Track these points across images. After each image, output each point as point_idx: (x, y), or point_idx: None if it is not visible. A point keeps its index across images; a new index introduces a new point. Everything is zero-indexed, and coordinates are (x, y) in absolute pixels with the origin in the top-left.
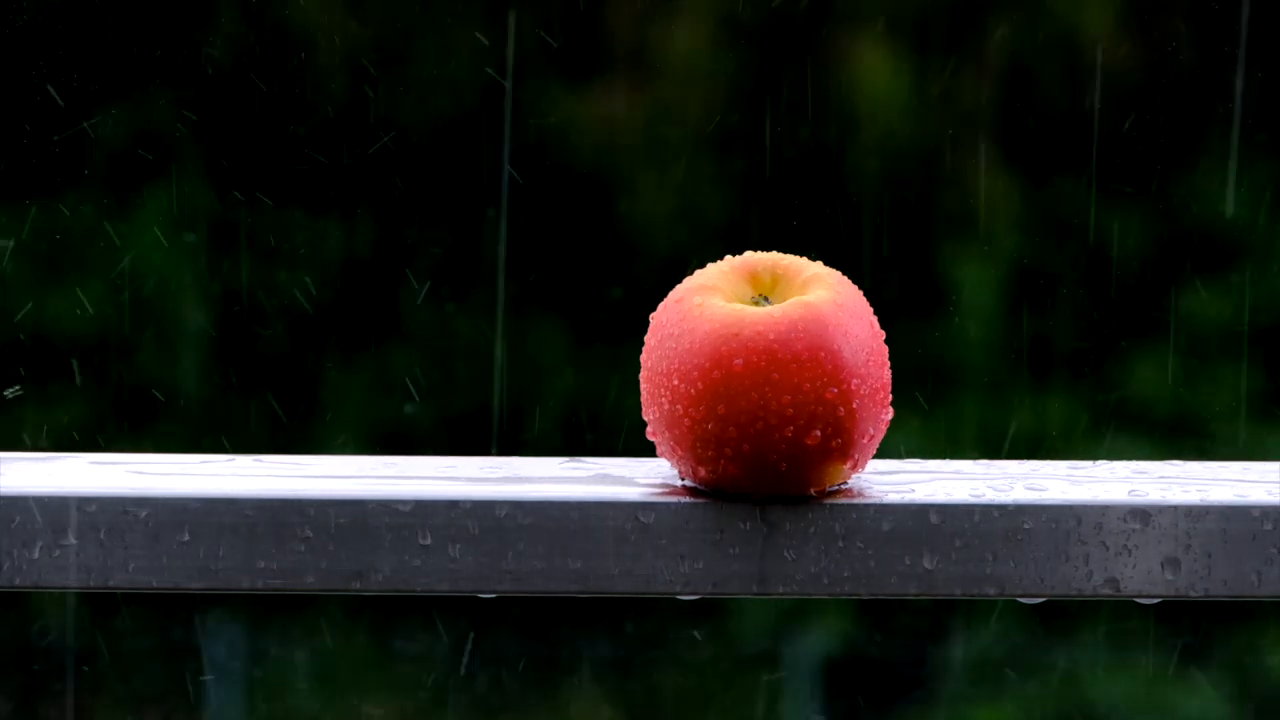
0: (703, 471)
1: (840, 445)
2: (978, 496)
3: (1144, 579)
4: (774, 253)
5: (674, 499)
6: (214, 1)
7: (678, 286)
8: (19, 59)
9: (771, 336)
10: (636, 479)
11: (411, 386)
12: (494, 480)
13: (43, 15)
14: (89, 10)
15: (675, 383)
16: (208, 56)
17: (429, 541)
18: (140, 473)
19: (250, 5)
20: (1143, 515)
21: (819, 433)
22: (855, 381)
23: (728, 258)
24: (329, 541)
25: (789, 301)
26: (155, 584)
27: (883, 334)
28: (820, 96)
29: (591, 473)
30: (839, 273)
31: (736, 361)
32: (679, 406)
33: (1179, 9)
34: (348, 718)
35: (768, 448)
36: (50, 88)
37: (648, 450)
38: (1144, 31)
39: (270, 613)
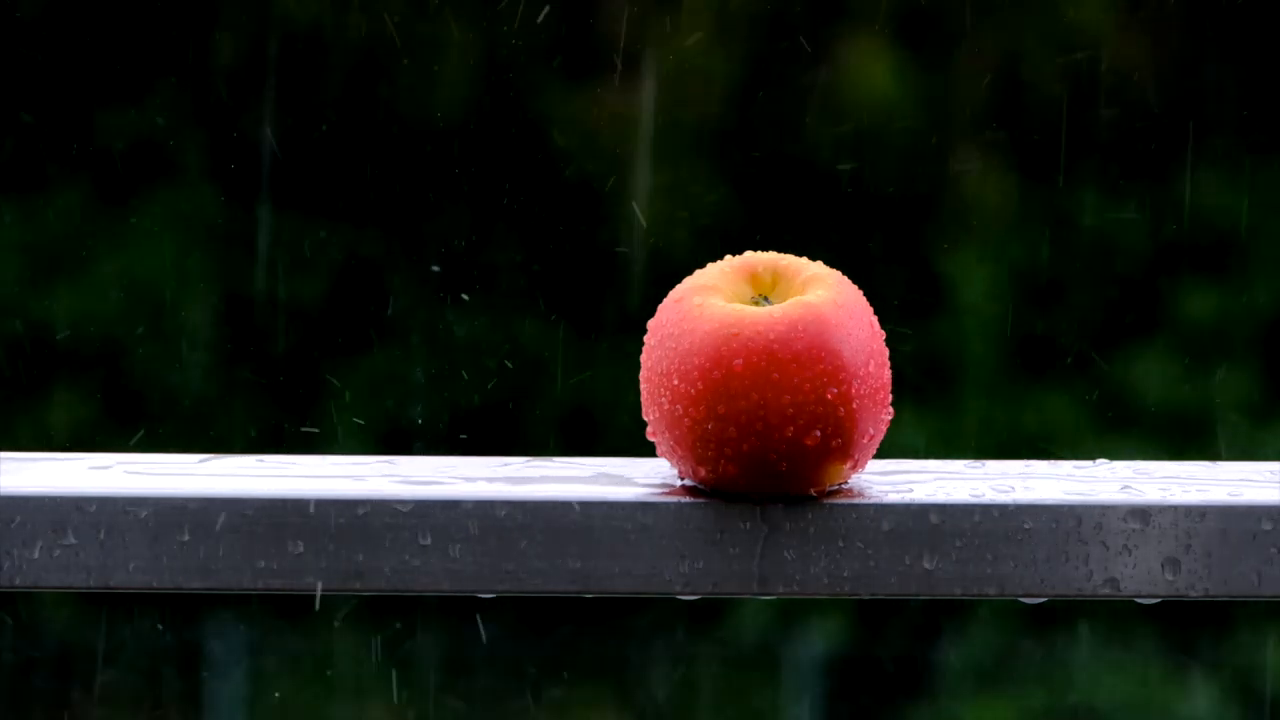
0: (703, 471)
1: (840, 445)
2: (978, 496)
3: (1144, 579)
4: (774, 253)
5: (674, 499)
6: (215, 1)
7: (678, 286)
8: (19, 59)
9: (771, 336)
10: (636, 479)
11: (412, 386)
12: (494, 480)
13: (45, 14)
14: (91, 9)
15: (675, 383)
16: (209, 56)
17: (429, 541)
18: (140, 473)
19: (251, 4)
20: (1143, 515)
21: (819, 433)
22: (855, 382)
23: (728, 258)
24: (329, 541)
25: (789, 301)
26: (155, 584)
27: (883, 334)
28: (819, 96)
29: (591, 473)
30: (839, 273)
31: (736, 361)
32: (679, 406)
33: (1178, 8)
34: (348, 718)
35: (768, 448)
36: (52, 86)
37: (648, 450)
38: (1143, 30)
39: (271, 613)
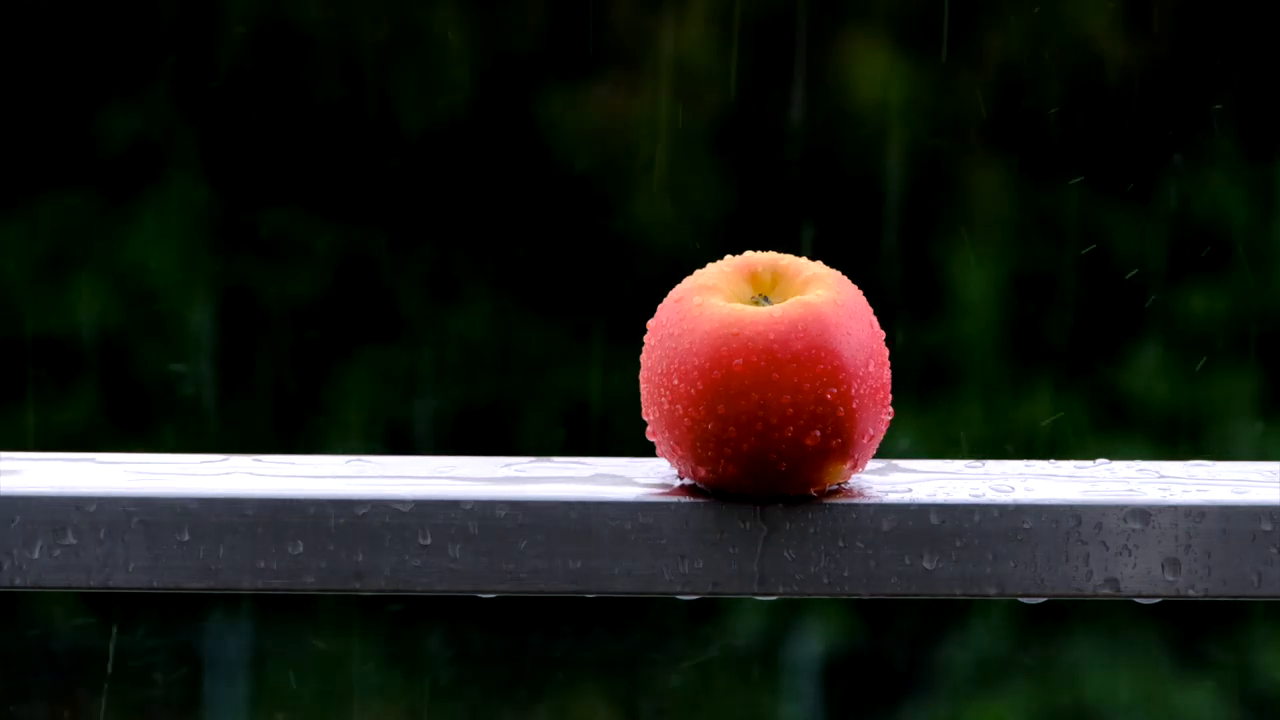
0: (703, 471)
1: (840, 445)
2: (978, 496)
3: (1144, 579)
4: (774, 252)
5: (674, 499)
6: (215, 1)
7: (677, 286)
8: (19, 59)
9: (771, 336)
10: (636, 479)
11: (412, 386)
12: (494, 480)
13: (44, 14)
14: (90, 9)
15: (675, 382)
16: (209, 55)
17: (429, 541)
18: (140, 473)
19: (250, 4)
20: (1143, 515)
21: (819, 433)
22: (855, 381)
23: (728, 257)
24: (329, 541)
25: (789, 301)
26: (155, 584)
27: (883, 334)
28: (819, 95)
29: (591, 473)
30: (839, 272)
31: (736, 361)
32: (679, 406)
33: (1176, 8)
34: (347, 718)
35: (768, 448)
36: (51, 87)
37: (648, 450)
38: (1142, 31)
39: (271, 613)
